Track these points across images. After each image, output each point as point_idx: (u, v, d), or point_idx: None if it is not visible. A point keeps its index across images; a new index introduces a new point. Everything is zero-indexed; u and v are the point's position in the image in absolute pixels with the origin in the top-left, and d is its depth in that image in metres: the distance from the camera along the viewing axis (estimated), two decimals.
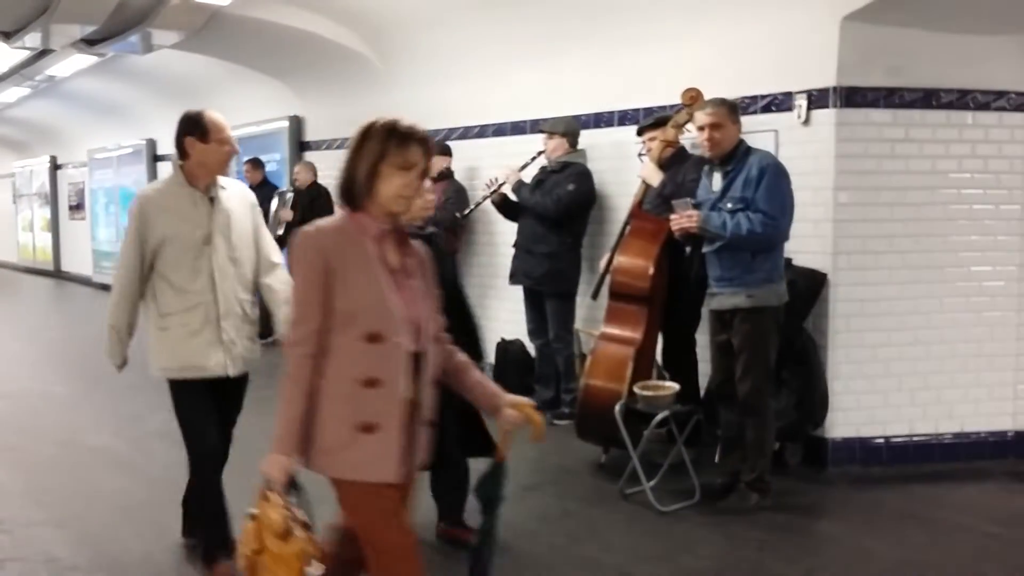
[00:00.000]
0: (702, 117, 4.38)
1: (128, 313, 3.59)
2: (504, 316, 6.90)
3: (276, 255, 3.77)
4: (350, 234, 2.42)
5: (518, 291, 6.29)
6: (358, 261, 2.40)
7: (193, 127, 3.56)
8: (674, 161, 5.12)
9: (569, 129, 5.96)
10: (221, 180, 3.64)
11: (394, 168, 2.38)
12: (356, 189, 2.41)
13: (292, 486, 2.44)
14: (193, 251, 3.49)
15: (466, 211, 6.59)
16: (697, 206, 4.39)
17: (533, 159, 6.09)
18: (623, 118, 6.07)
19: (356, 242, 2.41)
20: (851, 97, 4.87)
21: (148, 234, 3.49)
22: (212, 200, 3.56)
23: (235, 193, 3.69)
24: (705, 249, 4.43)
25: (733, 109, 4.42)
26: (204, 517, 3.78)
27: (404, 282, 2.46)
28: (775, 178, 4.28)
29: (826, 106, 4.89)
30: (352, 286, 2.38)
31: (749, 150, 4.39)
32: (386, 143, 2.38)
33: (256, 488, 2.43)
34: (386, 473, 2.42)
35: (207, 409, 3.62)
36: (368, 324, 2.38)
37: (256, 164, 9.40)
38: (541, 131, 6.10)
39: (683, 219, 4.35)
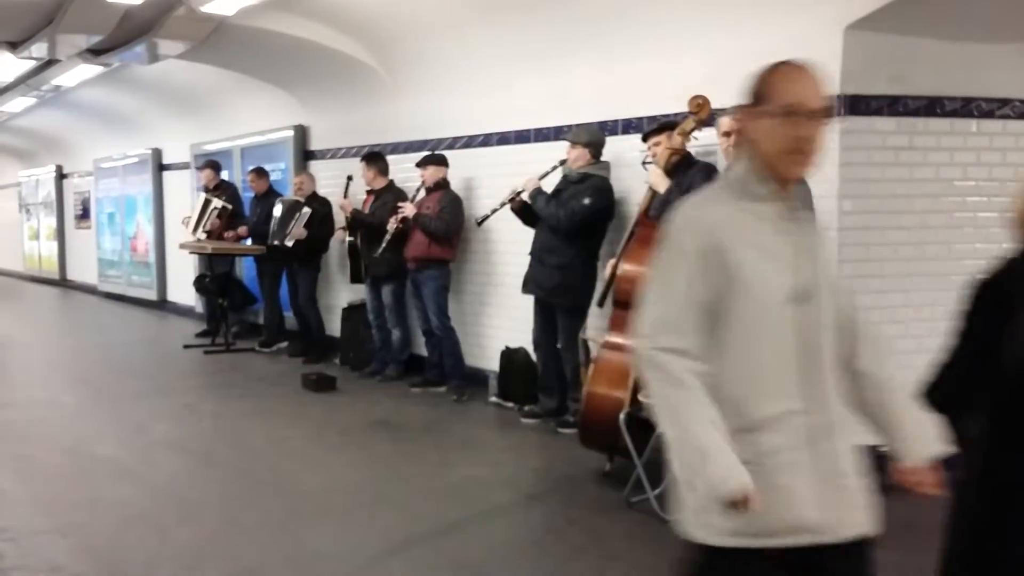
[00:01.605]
0: (728, 123, 4.34)
1: (709, 404, 1.95)
2: (508, 324, 6.90)
3: (869, 323, 2.18)
4: None
5: (520, 300, 6.29)
6: None
7: (753, 88, 2.06)
8: (679, 168, 5.11)
9: (592, 139, 5.86)
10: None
11: None
12: None
13: None
14: (775, 314, 1.98)
15: (481, 218, 6.56)
16: None
17: (554, 168, 6.04)
18: (627, 126, 6.08)
19: None
20: (855, 105, 4.87)
21: (713, 276, 1.97)
22: (796, 220, 2.07)
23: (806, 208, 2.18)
24: None
25: None
26: None
27: None
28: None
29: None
30: None
31: None
32: None
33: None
34: None
35: None
36: None
37: (261, 173, 9.43)
38: (564, 139, 6.05)
39: None
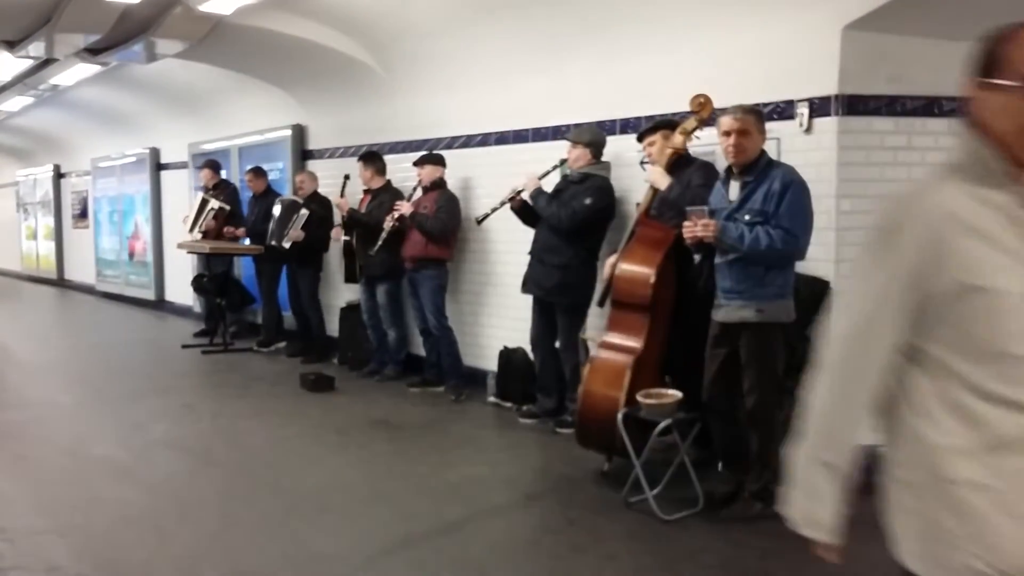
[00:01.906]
0: (729, 122, 4.30)
1: (853, 430, 1.82)
2: (506, 324, 6.90)
3: None
4: None
5: (518, 299, 6.29)
6: None
7: (984, 54, 1.75)
8: (677, 166, 5.11)
9: (594, 139, 5.85)
10: None
11: None
12: None
13: None
14: (1019, 318, 1.66)
15: (481, 217, 6.55)
16: (711, 214, 4.36)
17: (554, 167, 6.05)
18: (624, 126, 6.08)
19: None
20: (853, 105, 4.87)
21: (935, 277, 1.68)
22: None
23: None
24: (717, 260, 4.40)
25: (760, 117, 4.38)
26: None
27: None
28: (799, 195, 4.21)
29: (828, 114, 4.90)
30: None
31: (771, 162, 4.36)
32: None
33: None
34: None
35: None
36: None
37: (259, 173, 9.42)
38: (565, 139, 6.03)
39: (698, 227, 4.29)
